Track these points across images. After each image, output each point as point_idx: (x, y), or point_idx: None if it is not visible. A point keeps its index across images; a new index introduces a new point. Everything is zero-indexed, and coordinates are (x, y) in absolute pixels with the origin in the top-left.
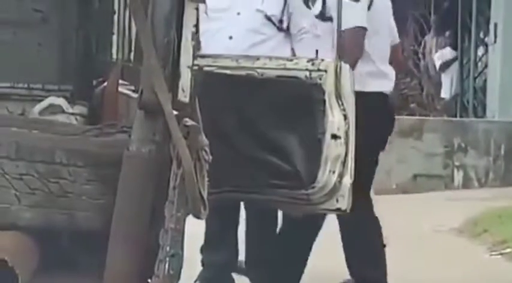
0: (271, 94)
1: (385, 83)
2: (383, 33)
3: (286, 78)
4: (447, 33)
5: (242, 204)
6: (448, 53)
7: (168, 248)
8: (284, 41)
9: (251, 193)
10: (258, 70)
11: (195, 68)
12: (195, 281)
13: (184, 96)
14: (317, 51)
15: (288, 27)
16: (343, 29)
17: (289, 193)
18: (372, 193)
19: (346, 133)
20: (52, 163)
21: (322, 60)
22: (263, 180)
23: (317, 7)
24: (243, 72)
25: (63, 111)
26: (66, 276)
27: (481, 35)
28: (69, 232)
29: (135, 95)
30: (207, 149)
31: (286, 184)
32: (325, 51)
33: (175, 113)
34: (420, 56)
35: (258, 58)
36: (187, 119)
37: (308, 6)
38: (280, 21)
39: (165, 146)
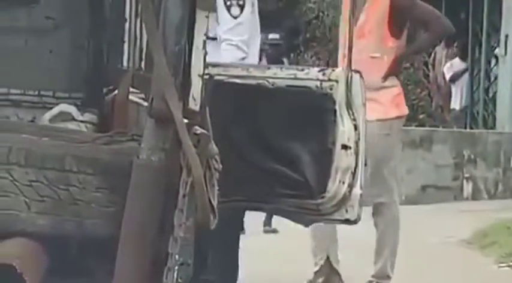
0: (281, 104)
1: None
2: None
3: (297, 87)
4: (457, 44)
5: None
6: (458, 64)
7: (177, 257)
8: (214, 51)
9: (260, 202)
10: (269, 79)
11: (206, 76)
12: None
13: (195, 105)
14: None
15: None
16: None
17: (298, 203)
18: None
19: (357, 143)
20: (62, 171)
21: (333, 70)
22: (273, 189)
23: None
24: (253, 82)
25: (73, 119)
26: None
27: (492, 46)
28: (78, 240)
29: (145, 103)
30: (217, 158)
31: (296, 194)
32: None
33: (185, 121)
34: (430, 66)
35: (268, 67)
36: (197, 128)
37: (231, 15)
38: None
39: (175, 154)
